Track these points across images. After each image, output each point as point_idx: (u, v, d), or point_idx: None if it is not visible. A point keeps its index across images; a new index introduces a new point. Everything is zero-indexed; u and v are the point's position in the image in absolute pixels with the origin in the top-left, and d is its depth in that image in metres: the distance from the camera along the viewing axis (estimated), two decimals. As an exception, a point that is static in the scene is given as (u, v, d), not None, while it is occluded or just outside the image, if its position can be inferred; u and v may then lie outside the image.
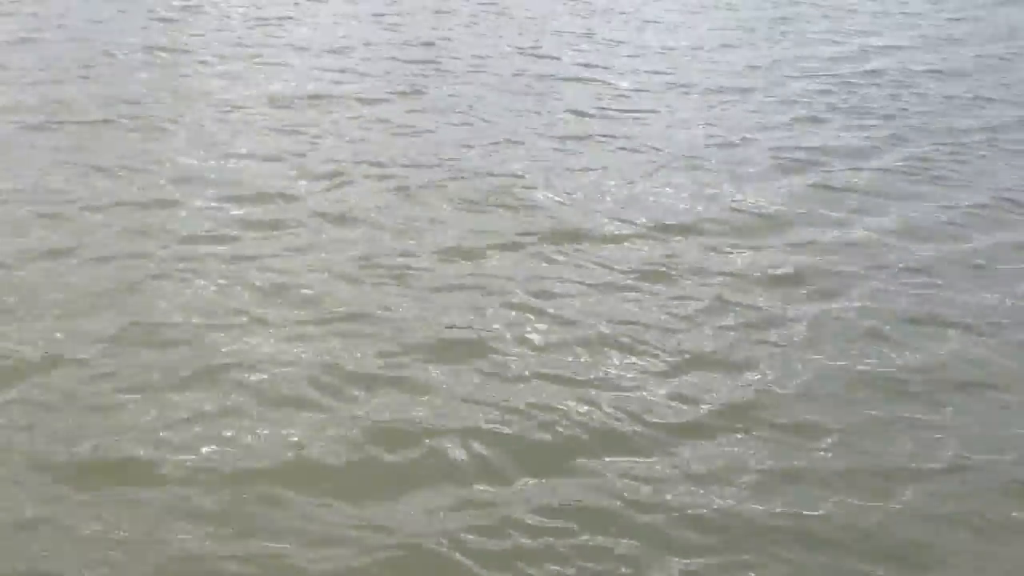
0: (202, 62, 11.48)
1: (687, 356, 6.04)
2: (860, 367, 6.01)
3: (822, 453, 5.21)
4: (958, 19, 16.44)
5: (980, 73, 13.00)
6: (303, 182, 8.26)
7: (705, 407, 5.55)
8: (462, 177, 8.62)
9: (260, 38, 12.73)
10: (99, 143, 8.84)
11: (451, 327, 6.20)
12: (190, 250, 6.96)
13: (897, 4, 17.27)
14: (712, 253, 7.46)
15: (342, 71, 11.52)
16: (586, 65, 12.45)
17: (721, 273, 7.12)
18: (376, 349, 5.88)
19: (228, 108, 9.93)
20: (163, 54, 11.71)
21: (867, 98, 11.57)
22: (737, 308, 6.63)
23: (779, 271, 7.20)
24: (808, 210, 8.34)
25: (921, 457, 5.21)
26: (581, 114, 10.53)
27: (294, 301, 6.38)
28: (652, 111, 10.80)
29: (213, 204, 7.73)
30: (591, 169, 9.01)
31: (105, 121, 9.35)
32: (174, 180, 8.11)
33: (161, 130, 9.25)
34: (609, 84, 11.68)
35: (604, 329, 6.25)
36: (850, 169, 9.34)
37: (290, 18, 13.93)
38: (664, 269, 7.14)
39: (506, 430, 5.23)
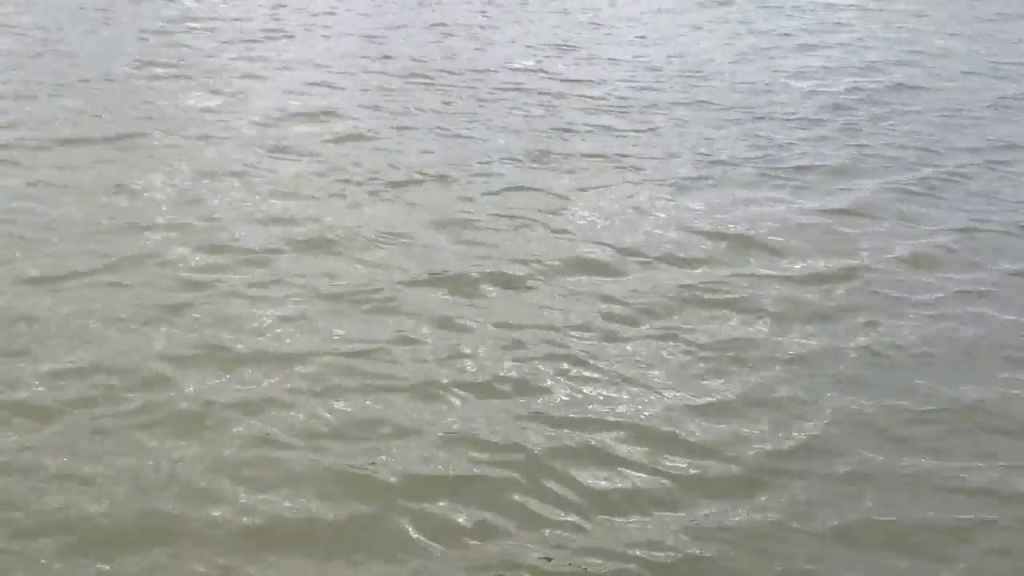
0: (191, 80, 11.20)
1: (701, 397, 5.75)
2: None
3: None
4: (954, 34, 16.28)
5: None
6: (292, 204, 8.03)
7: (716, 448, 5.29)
8: (453, 194, 8.39)
9: (249, 55, 12.50)
10: (80, 164, 8.53)
11: (449, 357, 5.92)
12: (171, 275, 6.70)
13: (898, 22, 17.06)
14: (707, 281, 7.12)
15: (331, 87, 11.33)
16: (577, 81, 12.19)
17: (723, 303, 6.79)
18: (370, 380, 5.64)
19: (217, 126, 9.68)
20: (153, 72, 11.42)
21: (867, 117, 11.25)
22: (748, 342, 6.33)
23: (781, 299, 6.89)
24: (810, 234, 8.01)
25: (973, 513, 4.90)
26: (577, 129, 10.33)
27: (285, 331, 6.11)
28: (650, 128, 10.50)
29: (198, 225, 7.49)
30: (583, 189, 8.72)
31: (87, 141, 9.07)
32: (158, 203, 7.85)
33: (147, 150, 8.95)
34: (601, 100, 11.42)
35: (612, 365, 5.98)
36: (851, 191, 9.00)
37: (279, 35, 13.72)
38: (662, 298, 6.81)
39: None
